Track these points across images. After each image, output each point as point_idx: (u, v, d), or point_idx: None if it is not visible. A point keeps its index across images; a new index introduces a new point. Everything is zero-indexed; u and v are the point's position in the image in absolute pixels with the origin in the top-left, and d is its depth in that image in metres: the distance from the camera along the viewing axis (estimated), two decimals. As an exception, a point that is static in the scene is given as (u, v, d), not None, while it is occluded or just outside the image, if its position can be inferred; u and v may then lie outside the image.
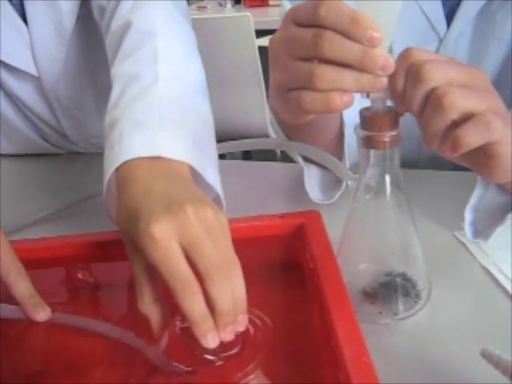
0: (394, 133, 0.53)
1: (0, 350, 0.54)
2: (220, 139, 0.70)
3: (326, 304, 0.50)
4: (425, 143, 0.52)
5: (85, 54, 0.96)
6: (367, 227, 0.58)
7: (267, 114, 2.08)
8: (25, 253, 0.57)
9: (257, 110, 2.07)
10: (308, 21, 0.49)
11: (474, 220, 0.66)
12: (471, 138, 0.49)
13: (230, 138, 0.82)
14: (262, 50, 1.95)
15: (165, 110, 0.61)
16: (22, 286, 0.55)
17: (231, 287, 0.47)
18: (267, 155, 2.07)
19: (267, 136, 2.09)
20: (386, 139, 0.53)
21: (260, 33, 2.09)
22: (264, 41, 2.36)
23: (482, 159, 0.52)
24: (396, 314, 0.58)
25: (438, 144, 0.52)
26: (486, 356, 0.44)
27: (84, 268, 0.63)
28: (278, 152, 2.14)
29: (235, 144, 0.80)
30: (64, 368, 0.52)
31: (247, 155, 2.31)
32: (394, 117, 0.52)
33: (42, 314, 0.55)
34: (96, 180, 0.75)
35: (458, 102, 0.48)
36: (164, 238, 0.46)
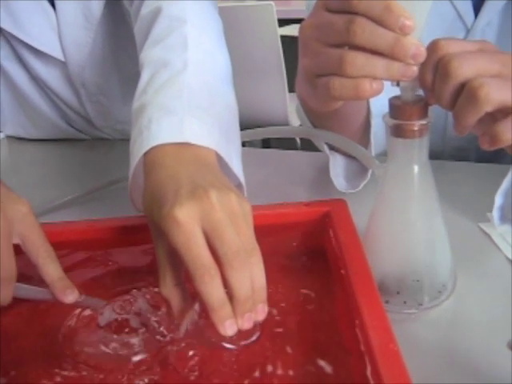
0: (423, 122, 0.52)
1: (27, 329, 0.55)
2: (240, 127, 0.70)
3: (353, 292, 0.50)
4: (457, 132, 0.52)
5: (111, 40, 0.96)
6: (394, 217, 0.57)
7: (288, 104, 2.07)
8: (49, 236, 0.58)
9: (277, 100, 2.07)
10: (340, 7, 0.49)
11: (504, 205, 0.66)
12: (511, 133, 0.49)
13: (250, 126, 0.82)
14: (285, 39, 1.95)
15: (193, 97, 0.61)
16: (51, 268, 0.55)
17: (250, 275, 0.47)
18: (287, 144, 2.07)
19: (287, 125, 2.09)
20: (415, 128, 0.52)
21: (282, 22, 2.08)
22: (286, 30, 2.35)
23: None
24: (421, 304, 0.57)
25: (478, 133, 0.51)
26: (513, 347, 0.44)
27: (108, 252, 0.64)
28: (298, 141, 2.14)
29: (260, 131, 0.81)
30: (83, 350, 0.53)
31: (266, 144, 2.31)
32: (423, 106, 0.52)
33: (71, 296, 0.55)
34: (120, 165, 0.75)
35: (494, 95, 0.47)
36: (187, 222, 0.46)
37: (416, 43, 0.48)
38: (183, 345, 0.51)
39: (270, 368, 0.49)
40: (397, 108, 0.52)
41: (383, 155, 0.59)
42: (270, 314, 0.50)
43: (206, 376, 0.48)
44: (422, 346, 0.54)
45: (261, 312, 0.49)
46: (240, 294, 0.47)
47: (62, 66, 0.96)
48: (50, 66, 0.96)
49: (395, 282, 0.57)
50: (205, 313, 0.47)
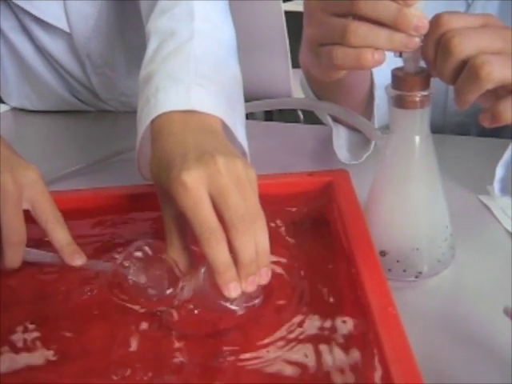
0: (425, 93, 0.53)
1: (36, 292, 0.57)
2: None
3: (354, 259, 0.51)
4: (458, 106, 0.52)
5: (116, 12, 0.96)
6: (395, 187, 0.58)
7: (291, 79, 2.07)
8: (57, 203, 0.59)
9: (281, 75, 2.06)
10: None
11: (505, 176, 0.66)
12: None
13: (253, 100, 0.82)
14: (289, 15, 1.94)
15: (199, 66, 0.62)
16: (60, 233, 0.57)
17: (255, 239, 0.49)
18: (289, 117, 2.07)
19: (291, 100, 2.08)
20: (417, 99, 0.53)
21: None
22: (290, 5, 2.34)
23: None
24: (420, 273, 0.59)
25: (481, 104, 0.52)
26: (509, 313, 0.45)
27: (113, 219, 0.65)
28: (301, 115, 2.14)
29: (264, 103, 0.81)
30: (84, 313, 0.54)
31: (269, 117, 2.31)
32: (425, 77, 0.53)
33: (79, 260, 0.57)
34: (124, 137, 0.76)
35: (495, 74, 0.47)
36: (194, 187, 0.48)
37: (419, 15, 0.48)
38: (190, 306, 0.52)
39: (273, 329, 0.50)
40: (399, 79, 0.53)
41: (386, 128, 0.60)
42: (272, 278, 0.51)
43: (213, 336, 0.50)
44: (420, 313, 0.55)
45: (264, 276, 0.50)
46: (244, 257, 0.48)
47: (68, 37, 0.96)
48: (56, 38, 0.97)
49: (395, 250, 0.58)
50: (210, 275, 0.49)
